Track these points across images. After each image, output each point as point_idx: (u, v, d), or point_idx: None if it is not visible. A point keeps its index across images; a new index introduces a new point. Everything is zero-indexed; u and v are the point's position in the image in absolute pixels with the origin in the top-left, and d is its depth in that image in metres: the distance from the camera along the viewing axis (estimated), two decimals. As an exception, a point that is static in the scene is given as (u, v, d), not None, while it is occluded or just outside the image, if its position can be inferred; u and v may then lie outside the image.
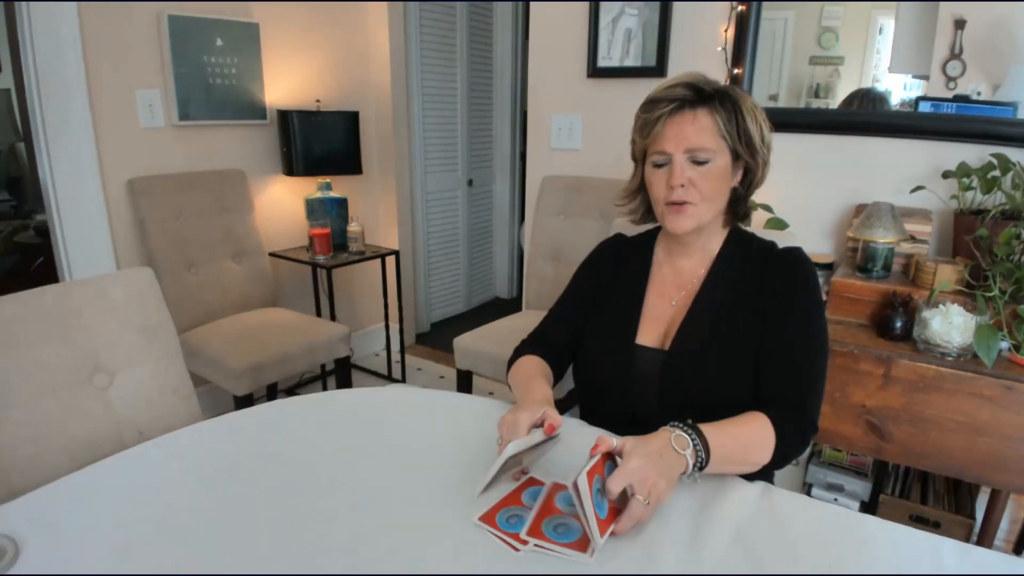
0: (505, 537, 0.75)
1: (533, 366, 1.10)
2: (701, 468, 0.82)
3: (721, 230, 1.08)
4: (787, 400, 0.95)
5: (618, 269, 1.15)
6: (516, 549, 0.73)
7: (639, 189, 1.11)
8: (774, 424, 0.90)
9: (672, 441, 0.80)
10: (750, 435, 0.90)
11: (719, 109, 0.97)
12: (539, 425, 0.88)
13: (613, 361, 1.06)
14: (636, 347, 1.06)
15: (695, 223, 1.01)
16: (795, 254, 1.04)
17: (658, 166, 1.01)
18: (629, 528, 0.75)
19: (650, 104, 1.00)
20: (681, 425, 0.83)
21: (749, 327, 1.00)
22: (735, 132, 0.98)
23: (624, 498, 0.76)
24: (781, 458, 0.91)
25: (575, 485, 0.72)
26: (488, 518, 0.79)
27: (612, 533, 0.74)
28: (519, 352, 1.17)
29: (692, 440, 0.82)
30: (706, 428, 0.84)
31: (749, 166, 1.03)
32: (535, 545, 0.74)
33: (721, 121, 0.97)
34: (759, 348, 0.99)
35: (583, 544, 0.74)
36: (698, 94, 0.97)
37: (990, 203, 1.55)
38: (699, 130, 0.96)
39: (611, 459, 0.80)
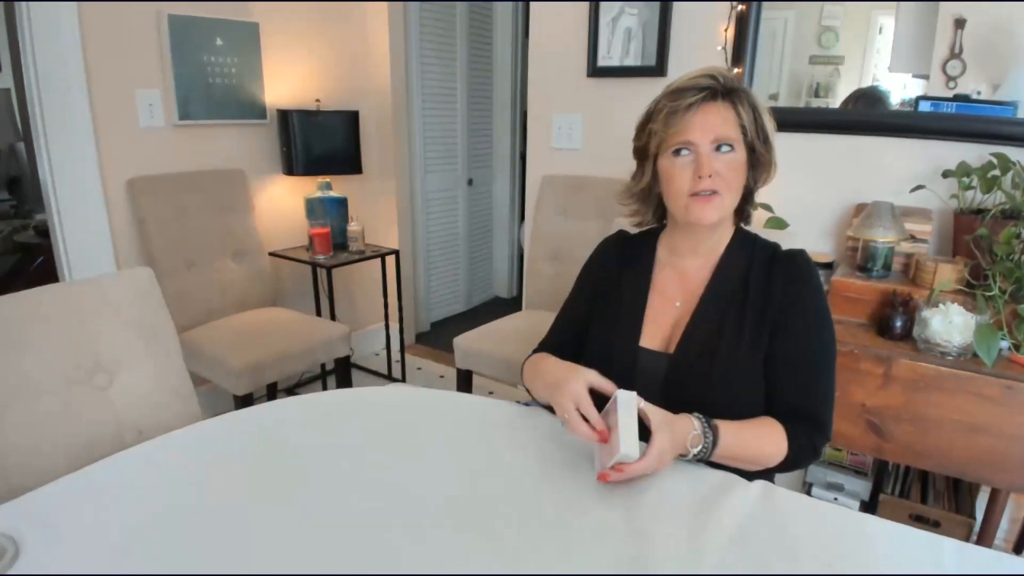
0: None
1: (547, 357, 1.10)
2: (701, 459, 0.88)
3: (728, 229, 1.07)
4: (801, 411, 0.95)
5: (621, 267, 1.14)
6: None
7: (647, 190, 1.07)
8: (788, 434, 0.92)
9: (689, 440, 0.86)
10: (762, 439, 0.92)
11: (740, 103, 0.97)
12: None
13: (617, 363, 1.04)
14: (640, 350, 1.05)
15: (721, 214, 0.99)
16: (801, 257, 1.03)
17: (678, 155, 0.98)
18: (614, 480, 0.82)
19: (676, 93, 0.98)
20: (703, 422, 0.88)
21: (755, 331, 0.99)
22: (754, 127, 0.98)
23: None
24: (791, 465, 0.93)
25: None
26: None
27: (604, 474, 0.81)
28: (531, 356, 1.16)
29: (704, 442, 0.87)
30: (723, 429, 0.88)
31: (757, 165, 1.02)
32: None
33: (743, 115, 0.97)
34: (769, 355, 0.98)
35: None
36: (722, 86, 0.97)
37: (990, 203, 1.55)
38: (724, 121, 0.96)
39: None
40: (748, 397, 0.98)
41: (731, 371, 0.98)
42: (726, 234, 1.07)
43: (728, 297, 1.02)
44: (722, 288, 1.03)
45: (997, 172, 1.52)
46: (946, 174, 1.62)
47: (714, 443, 0.87)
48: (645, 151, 1.04)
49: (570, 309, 1.19)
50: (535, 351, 1.18)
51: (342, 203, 2.68)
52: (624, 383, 1.04)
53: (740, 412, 0.94)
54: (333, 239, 2.59)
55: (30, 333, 0.98)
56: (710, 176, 0.96)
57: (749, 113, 0.98)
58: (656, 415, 0.85)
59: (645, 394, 1.03)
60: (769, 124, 1.00)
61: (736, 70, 1.92)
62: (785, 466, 0.93)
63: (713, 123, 0.96)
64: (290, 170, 2.58)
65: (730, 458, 0.89)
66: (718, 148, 0.96)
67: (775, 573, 0.71)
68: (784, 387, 0.97)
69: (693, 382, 0.99)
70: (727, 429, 0.88)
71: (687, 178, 0.97)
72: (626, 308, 1.09)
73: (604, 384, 0.91)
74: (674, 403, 0.99)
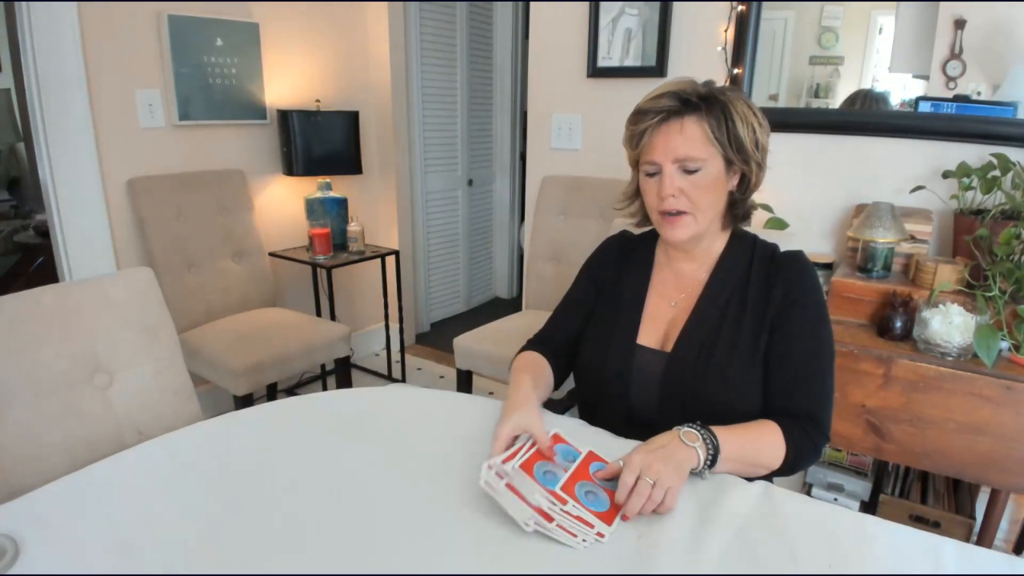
0: (526, 503, 0.76)
1: (527, 362, 1.11)
2: (712, 464, 0.85)
3: (722, 232, 1.07)
4: (798, 411, 0.95)
5: (621, 267, 1.15)
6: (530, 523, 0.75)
7: (637, 193, 1.10)
8: (785, 433, 0.91)
9: (681, 436, 0.84)
10: (760, 439, 0.91)
11: (707, 116, 0.95)
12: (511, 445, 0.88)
13: (614, 360, 1.05)
14: (637, 347, 1.06)
15: (690, 232, 1.00)
16: (799, 258, 1.03)
17: (650, 175, 1.00)
18: (637, 510, 0.77)
19: (637, 116, 0.99)
20: (690, 424, 0.86)
21: (752, 332, 0.99)
22: (725, 138, 0.96)
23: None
24: (791, 466, 0.92)
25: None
26: (527, 466, 0.82)
27: (623, 517, 0.78)
28: (522, 351, 1.17)
29: (701, 435, 0.85)
30: (716, 428, 0.87)
31: (744, 170, 1.02)
32: (537, 524, 0.75)
33: (710, 128, 0.95)
34: (767, 357, 0.98)
35: (609, 516, 0.77)
36: (684, 103, 0.95)
37: (990, 203, 1.55)
38: (687, 140, 0.95)
39: (597, 459, 0.83)
40: (745, 397, 0.98)
41: (727, 371, 0.98)
42: (719, 238, 1.07)
43: (726, 298, 1.03)
44: (720, 289, 1.04)
45: (997, 172, 1.52)
46: (946, 175, 1.62)
47: (710, 433, 0.85)
48: (629, 161, 1.07)
49: (566, 306, 1.20)
50: (530, 342, 1.19)
51: (342, 203, 2.68)
52: (620, 379, 1.04)
53: (736, 411, 0.94)
54: (333, 239, 2.59)
55: (30, 333, 0.98)
56: (673, 196, 0.97)
57: (720, 126, 0.96)
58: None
59: (641, 391, 1.03)
60: (746, 132, 0.97)
61: (736, 71, 1.92)
62: (786, 467, 0.92)
63: (675, 144, 0.95)
64: (290, 170, 2.58)
65: (732, 459, 0.87)
66: (683, 167, 0.96)
67: (775, 573, 0.71)
68: (781, 387, 0.97)
69: (689, 381, 0.99)
70: (721, 430, 0.87)
71: (654, 195, 1.00)
72: (625, 306, 1.10)
73: (537, 435, 0.88)
74: (670, 401, 1.00)
